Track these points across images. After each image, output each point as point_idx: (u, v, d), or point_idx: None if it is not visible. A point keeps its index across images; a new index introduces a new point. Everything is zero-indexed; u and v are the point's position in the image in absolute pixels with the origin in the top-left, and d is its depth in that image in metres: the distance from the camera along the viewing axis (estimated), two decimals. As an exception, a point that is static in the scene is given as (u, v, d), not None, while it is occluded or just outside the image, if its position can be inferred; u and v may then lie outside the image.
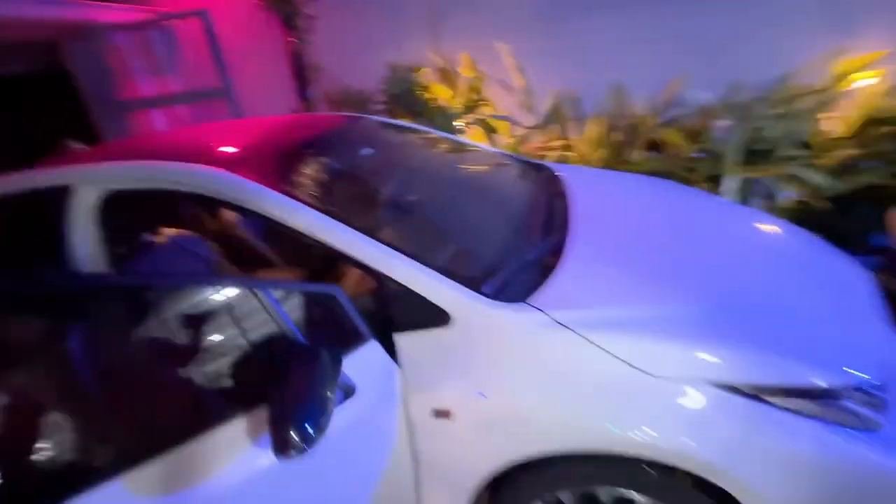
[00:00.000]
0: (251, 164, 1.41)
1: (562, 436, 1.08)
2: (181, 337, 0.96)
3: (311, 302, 1.12)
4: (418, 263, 1.16)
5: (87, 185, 1.38)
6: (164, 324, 0.96)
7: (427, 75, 3.45)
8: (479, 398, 1.11)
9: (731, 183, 2.58)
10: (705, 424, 1.01)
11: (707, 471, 1.01)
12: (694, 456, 1.00)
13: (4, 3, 3.01)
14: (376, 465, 1.14)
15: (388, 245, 1.17)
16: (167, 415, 0.94)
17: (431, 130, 2.37)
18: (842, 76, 2.92)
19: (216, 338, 0.98)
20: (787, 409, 1.00)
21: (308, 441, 0.83)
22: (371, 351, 1.14)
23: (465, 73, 3.41)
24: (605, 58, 3.43)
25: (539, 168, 2.13)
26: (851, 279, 1.42)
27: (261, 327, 0.99)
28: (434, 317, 1.14)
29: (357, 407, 1.06)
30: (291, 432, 0.82)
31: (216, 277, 1.46)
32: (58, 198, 1.37)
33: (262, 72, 3.79)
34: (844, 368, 1.06)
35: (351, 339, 1.12)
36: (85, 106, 3.78)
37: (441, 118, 3.23)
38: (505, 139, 3.39)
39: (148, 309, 0.96)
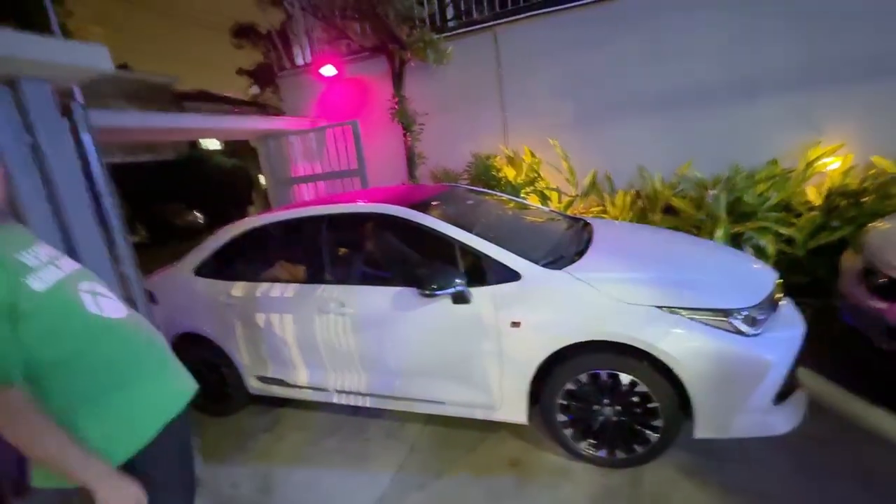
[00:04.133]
0: (410, 205, 2.70)
1: (579, 331, 2.10)
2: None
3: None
4: (506, 250, 2.32)
5: (324, 213, 2.76)
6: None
7: (499, 160, 4.85)
8: (534, 318, 2.19)
9: (721, 234, 3.55)
10: (650, 325, 2.01)
11: (652, 348, 1.98)
12: (644, 340, 1.99)
13: (235, 119, 4.88)
14: (466, 345, 2.28)
15: (493, 242, 2.36)
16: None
17: (506, 195, 3.65)
18: (812, 160, 3.91)
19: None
20: (694, 319, 1.99)
21: (431, 291, 2.15)
22: (484, 290, 2.29)
23: (526, 159, 4.77)
24: (630, 146, 4.66)
25: (576, 218, 3.30)
26: (754, 269, 2.40)
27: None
28: (513, 276, 2.27)
29: (467, 308, 2.25)
30: (433, 284, 2.11)
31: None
32: (311, 220, 2.77)
33: (384, 158, 5.42)
34: (732, 302, 2.02)
35: (477, 282, 2.29)
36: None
37: (509, 190, 4.54)
38: (555, 205, 4.60)
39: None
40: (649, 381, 2.07)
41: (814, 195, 3.85)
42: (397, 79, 5.01)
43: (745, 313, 2.01)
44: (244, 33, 21.13)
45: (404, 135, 5.14)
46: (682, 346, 1.97)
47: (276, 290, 2.87)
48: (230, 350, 3.05)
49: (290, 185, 5.37)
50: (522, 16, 4.71)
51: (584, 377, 2.18)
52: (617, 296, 2.08)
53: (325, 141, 5.52)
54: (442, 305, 2.35)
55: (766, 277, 2.34)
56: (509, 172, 4.74)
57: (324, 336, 2.73)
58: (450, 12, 5.09)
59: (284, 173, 5.35)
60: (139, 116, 3.56)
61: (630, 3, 4.39)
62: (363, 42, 4.97)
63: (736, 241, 3.65)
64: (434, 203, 2.96)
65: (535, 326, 2.19)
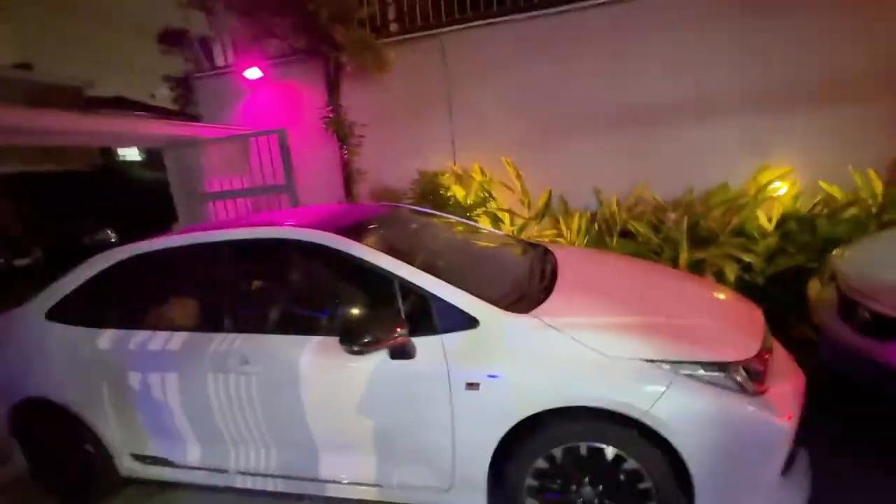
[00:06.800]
0: (339, 229, 2.16)
1: (554, 394, 1.65)
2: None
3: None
4: (459, 289, 1.83)
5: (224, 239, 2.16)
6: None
7: (447, 178, 4.42)
8: (496, 378, 1.71)
9: (684, 261, 3.31)
10: (641, 384, 1.60)
11: (645, 416, 1.57)
12: (635, 405, 1.57)
13: (139, 120, 4.09)
14: (408, 412, 1.83)
15: (443, 277, 1.86)
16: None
17: (454, 217, 3.20)
18: (764, 185, 3.85)
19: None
20: (691, 376, 1.60)
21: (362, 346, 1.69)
22: (431, 341, 1.78)
23: (476, 177, 4.38)
24: (584, 166, 4.42)
25: (535, 245, 2.90)
26: (741, 306, 2.09)
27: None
28: (468, 322, 1.78)
29: (410, 365, 1.78)
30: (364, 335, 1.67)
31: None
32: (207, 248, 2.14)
33: (318, 173, 4.81)
34: (731, 352, 1.66)
35: (422, 330, 1.78)
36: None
37: (458, 211, 4.10)
38: (507, 228, 4.23)
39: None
40: (639, 456, 1.64)
41: (764, 220, 3.76)
42: (332, 85, 4.47)
43: (747, 366, 1.66)
44: (173, 38, 19.61)
45: (341, 148, 4.58)
46: (679, 410, 1.57)
47: (159, 340, 2.18)
48: (95, 422, 2.29)
49: (204, 202, 4.59)
50: (471, 24, 4.38)
51: (558, 452, 1.71)
52: (598, 347, 1.66)
53: (249, 152, 4.83)
54: (377, 361, 1.82)
55: (755, 317, 2.03)
56: (458, 191, 4.32)
57: (222, 402, 2.07)
58: (393, 15, 4.65)
59: (197, 188, 4.58)
60: (-18, 110, 2.74)
61: (584, 17, 4.20)
62: (293, 42, 4.39)
63: (698, 268, 3.44)
64: (370, 227, 2.43)
65: (497, 388, 1.71)
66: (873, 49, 3.72)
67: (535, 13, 4.22)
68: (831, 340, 2.35)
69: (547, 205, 4.24)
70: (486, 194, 4.27)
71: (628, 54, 4.15)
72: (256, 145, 4.60)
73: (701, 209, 3.62)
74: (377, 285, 1.92)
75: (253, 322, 2.10)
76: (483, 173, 4.38)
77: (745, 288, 3.46)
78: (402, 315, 1.82)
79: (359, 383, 1.87)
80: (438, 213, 3.32)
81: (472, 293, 1.83)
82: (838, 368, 2.31)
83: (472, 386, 1.73)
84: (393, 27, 4.64)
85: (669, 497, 1.64)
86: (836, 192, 3.68)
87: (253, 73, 4.66)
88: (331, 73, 4.44)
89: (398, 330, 1.74)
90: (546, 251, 2.69)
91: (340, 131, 4.48)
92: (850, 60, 3.72)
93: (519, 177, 4.22)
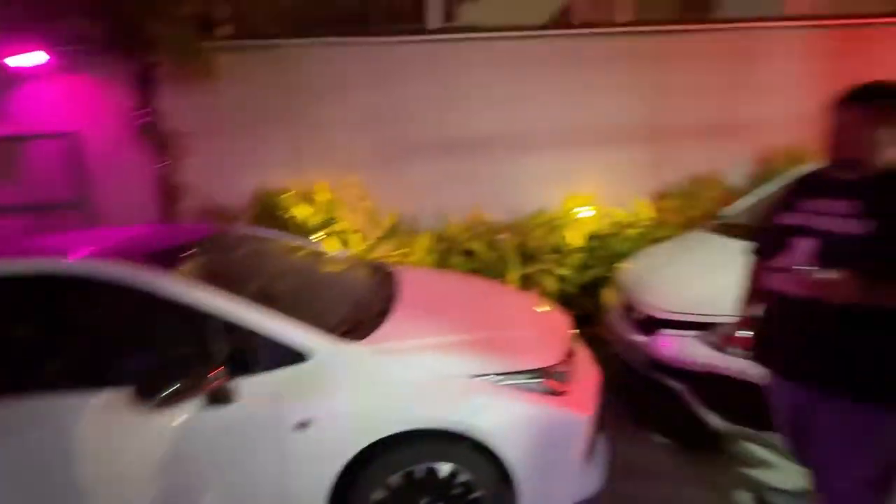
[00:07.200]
0: (150, 258, 1.85)
1: (388, 421, 1.64)
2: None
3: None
4: (286, 321, 1.71)
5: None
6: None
7: (289, 198, 4.17)
8: (328, 413, 1.63)
9: (513, 276, 3.72)
10: (469, 400, 1.71)
11: (472, 430, 1.67)
12: (465, 421, 1.66)
13: None
14: (229, 465, 1.63)
15: (269, 308, 1.71)
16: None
17: (293, 239, 3.02)
18: (570, 208, 4.58)
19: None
20: (511, 385, 1.77)
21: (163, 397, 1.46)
22: (255, 381, 1.61)
23: (322, 196, 4.24)
24: (430, 188, 4.64)
25: (377, 267, 2.90)
26: (552, 315, 2.42)
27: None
28: (296, 356, 1.67)
29: (229, 411, 1.57)
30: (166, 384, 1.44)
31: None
32: None
33: (128, 188, 4.04)
34: (545, 359, 1.89)
35: (244, 370, 1.59)
36: None
37: (299, 232, 3.89)
38: (355, 248, 4.17)
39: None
40: (470, 468, 1.74)
41: (575, 238, 4.47)
42: (145, 86, 3.83)
43: (555, 369, 1.91)
44: None
45: (158, 160, 3.94)
46: (501, 418, 1.73)
47: None
48: None
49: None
50: (314, 40, 4.28)
51: (396, 479, 1.71)
52: (429, 368, 1.73)
53: (23, 158, 3.82)
54: (189, 411, 1.57)
55: (563, 323, 2.37)
56: (302, 212, 4.11)
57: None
58: (227, 17, 4.25)
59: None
60: None
61: (416, 50, 4.52)
62: (88, 31, 3.62)
63: (526, 282, 3.89)
64: (186, 253, 2.13)
65: (329, 423, 1.63)
66: (642, 105, 4.81)
67: (371, 39, 4.37)
68: (617, 335, 2.88)
69: (394, 225, 4.32)
70: (332, 215, 4.15)
71: (457, 87, 4.61)
72: (36, 151, 3.64)
73: (526, 230, 4.13)
74: (189, 322, 1.68)
75: (12, 382, 1.62)
76: (328, 193, 4.25)
77: (562, 297, 4.04)
78: (220, 355, 1.61)
79: (165, 442, 1.59)
80: (275, 235, 3.09)
81: (302, 324, 1.73)
82: (627, 362, 2.83)
83: (302, 425, 1.61)
84: (227, 30, 4.24)
85: (498, 499, 1.77)
86: (621, 216, 4.57)
87: (28, 59, 3.71)
88: (143, 71, 3.80)
89: (213, 374, 1.54)
90: (387, 273, 2.72)
91: (157, 140, 3.86)
92: (629, 112, 4.76)
93: (365, 197, 4.22)
